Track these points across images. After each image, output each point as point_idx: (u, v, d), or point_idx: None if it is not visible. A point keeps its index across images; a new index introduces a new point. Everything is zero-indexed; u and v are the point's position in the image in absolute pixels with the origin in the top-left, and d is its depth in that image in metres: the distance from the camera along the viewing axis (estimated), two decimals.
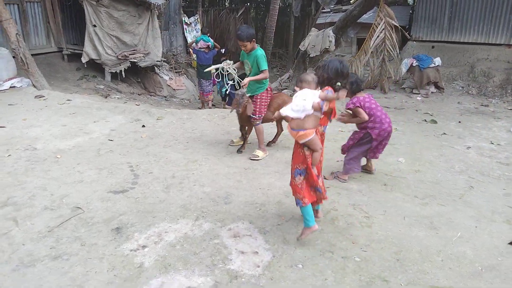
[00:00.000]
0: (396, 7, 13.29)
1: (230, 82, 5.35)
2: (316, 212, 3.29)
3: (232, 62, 5.29)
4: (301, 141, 2.95)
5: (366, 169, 4.52)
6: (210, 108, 9.20)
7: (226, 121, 6.54)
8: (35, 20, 10.28)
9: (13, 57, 8.31)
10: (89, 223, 3.25)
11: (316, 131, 2.95)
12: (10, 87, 8.05)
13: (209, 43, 9.31)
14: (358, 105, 4.14)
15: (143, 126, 6.11)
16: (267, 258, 2.85)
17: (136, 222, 3.28)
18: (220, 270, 2.73)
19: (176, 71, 12.35)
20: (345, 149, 4.42)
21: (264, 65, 4.80)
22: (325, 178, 4.24)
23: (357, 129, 4.38)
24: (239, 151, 5.10)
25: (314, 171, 3.02)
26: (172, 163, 4.64)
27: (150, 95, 10.91)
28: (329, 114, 3.15)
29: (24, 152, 4.76)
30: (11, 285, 2.56)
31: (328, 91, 2.98)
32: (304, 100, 2.88)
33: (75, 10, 10.82)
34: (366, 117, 4.12)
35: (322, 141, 3.18)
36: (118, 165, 4.51)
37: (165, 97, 11.07)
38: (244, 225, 3.29)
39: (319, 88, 3.04)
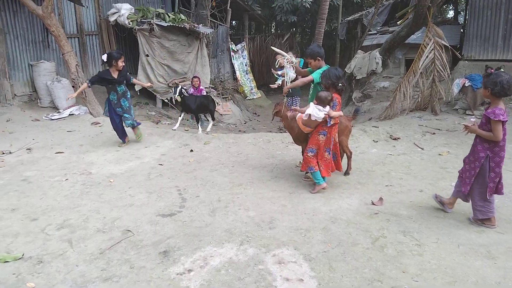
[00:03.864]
0: (445, 26, 12.95)
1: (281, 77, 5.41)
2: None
3: (297, 61, 5.34)
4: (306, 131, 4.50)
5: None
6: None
7: (271, 145, 6.57)
8: (93, 52, 11.03)
9: (73, 86, 8.90)
10: (138, 246, 3.34)
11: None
12: (69, 114, 8.62)
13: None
14: (503, 119, 3.29)
15: (191, 150, 6.27)
16: (313, 286, 2.79)
17: (183, 245, 3.34)
18: None
19: (223, 96, 12.67)
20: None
21: (315, 75, 4.70)
22: (373, 204, 4.14)
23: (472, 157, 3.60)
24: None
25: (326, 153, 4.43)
26: (218, 186, 4.70)
27: None
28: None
29: (80, 176, 5.02)
30: None
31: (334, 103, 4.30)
32: (319, 111, 4.20)
33: (129, 41, 11.48)
34: (500, 137, 3.35)
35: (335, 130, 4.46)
36: (167, 188, 4.64)
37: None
38: (289, 251, 3.25)
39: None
